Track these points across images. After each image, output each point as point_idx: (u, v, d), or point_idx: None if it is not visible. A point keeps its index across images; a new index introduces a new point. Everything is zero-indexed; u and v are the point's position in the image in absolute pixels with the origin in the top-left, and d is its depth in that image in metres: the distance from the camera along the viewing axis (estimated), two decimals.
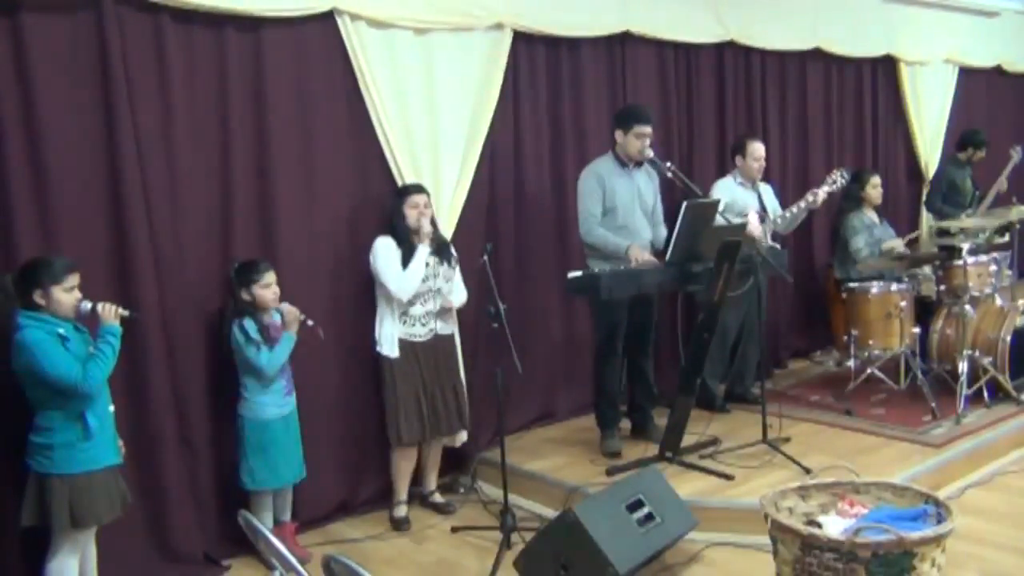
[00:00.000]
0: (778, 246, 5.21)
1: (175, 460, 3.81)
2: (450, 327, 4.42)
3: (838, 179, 5.28)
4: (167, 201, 3.82)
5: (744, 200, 5.23)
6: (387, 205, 4.27)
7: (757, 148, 5.30)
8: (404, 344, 4.20)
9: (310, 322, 3.91)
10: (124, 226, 3.66)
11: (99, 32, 3.57)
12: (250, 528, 2.60)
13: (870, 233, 5.74)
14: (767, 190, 5.49)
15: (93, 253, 3.59)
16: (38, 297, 3.12)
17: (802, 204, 5.23)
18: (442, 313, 4.33)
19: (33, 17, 3.43)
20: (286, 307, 3.88)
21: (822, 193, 5.22)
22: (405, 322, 4.22)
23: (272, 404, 3.86)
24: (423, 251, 4.17)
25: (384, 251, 4.15)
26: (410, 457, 4.33)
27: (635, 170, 4.69)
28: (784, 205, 5.44)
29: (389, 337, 4.20)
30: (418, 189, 4.26)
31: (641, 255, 4.46)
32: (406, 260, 4.13)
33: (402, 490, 4.35)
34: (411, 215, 4.18)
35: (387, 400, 4.23)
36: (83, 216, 3.59)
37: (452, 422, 4.37)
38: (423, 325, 4.26)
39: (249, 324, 3.79)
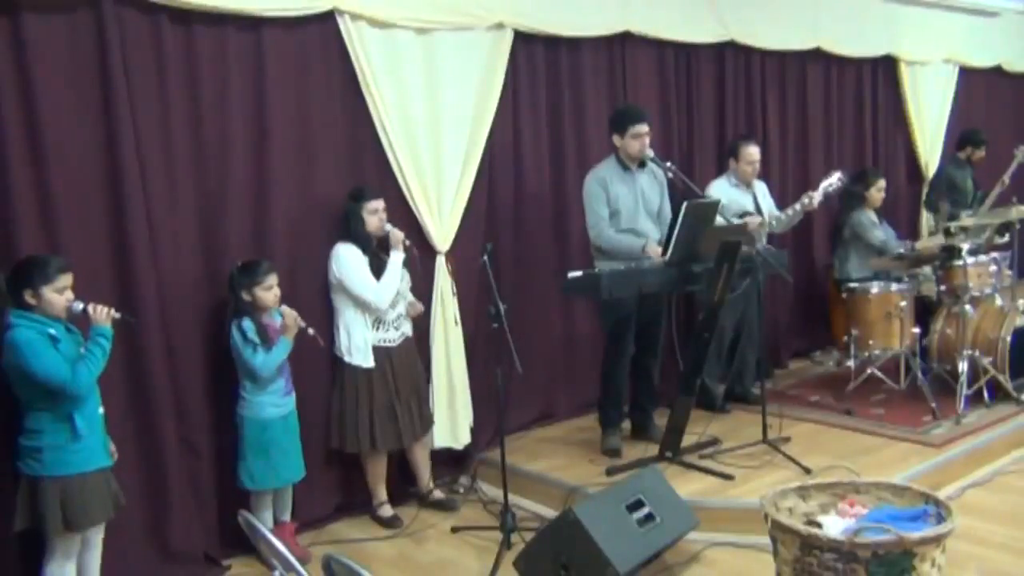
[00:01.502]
0: (772, 248, 5.20)
1: (175, 460, 3.81)
2: (410, 329, 4.39)
3: (834, 182, 5.23)
4: (167, 201, 3.82)
5: (739, 201, 5.20)
6: (342, 209, 4.19)
7: (751, 152, 5.28)
8: (378, 351, 4.17)
9: (311, 331, 3.88)
10: (124, 226, 3.66)
11: (99, 32, 3.57)
12: (250, 528, 2.60)
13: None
14: (762, 190, 5.47)
15: (93, 253, 3.59)
16: (28, 297, 3.11)
17: (797, 207, 5.19)
18: (407, 315, 4.32)
19: (33, 17, 3.43)
20: (286, 311, 3.86)
21: (817, 196, 5.17)
22: (379, 328, 4.18)
23: (271, 404, 3.86)
24: (398, 258, 4.16)
25: (353, 260, 4.09)
26: (382, 459, 4.31)
27: (638, 172, 4.68)
28: (783, 205, 5.43)
29: (362, 346, 4.14)
30: (375, 194, 4.21)
31: (658, 251, 4.45)
32: (373, 267, 4.11)
33: (382, 491, 4.34)
34: (371, 221, 4.14)
35: (357, 411, 4.14)
36: (83, 216, 3.58)
37: (418, 426, 4.34)
38: (396, 329, 4.24)
39: (247, 325, 3.78)
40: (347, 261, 4.10)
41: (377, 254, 4.17)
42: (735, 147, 5.35)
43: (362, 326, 4.15)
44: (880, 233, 5.69)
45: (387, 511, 4.33)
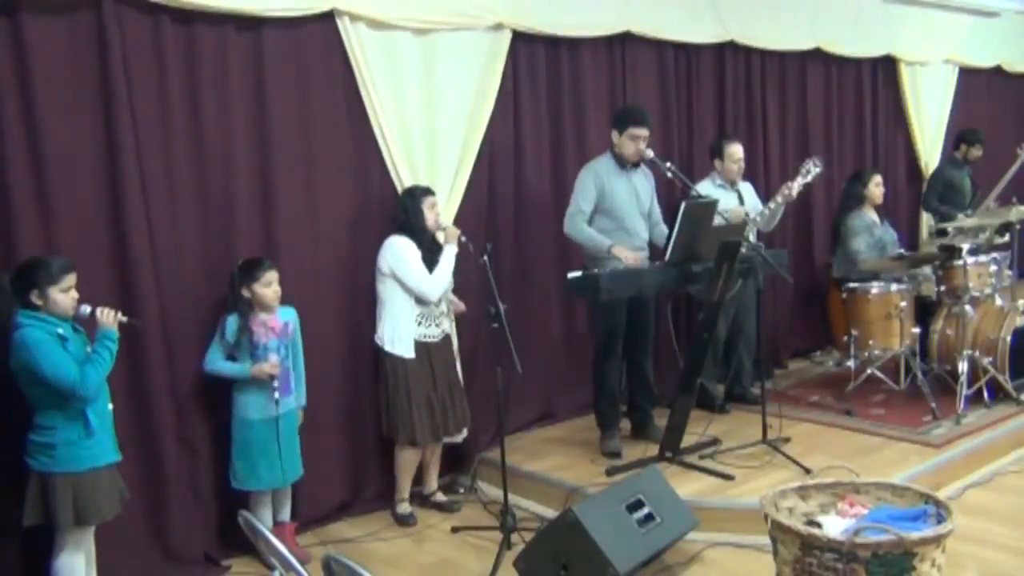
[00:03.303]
0: (762, 245, 5.19)
1: (175, 460, 3.81)
2: (451, 326, 4.44)
3: (811, 168, 5.19)
4: (167, 201, 3.82)
5: (724, 202, 5.10)
6: (397, 205, 4.25)
7: (735, 150, 5.27)
8: (418, 345, 4.20)
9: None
10: (124, 226, 3.66)
11: (99, 32, 3.57)
12: (250, 528, 2.60)
13: (870, 233, 5.71)
14: (748, 190, 5.46)
15: (93, 253, 3.59)
16: (35, 298, 3.12)
17: (779, 199, 5.17)
18: (449, 313, 4.38)
19: (33, 17, 3.43)
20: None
21: (796, 185, 5.14)
22: (421, 323, 4.21)
23: (253, 405, 3.82)
24: (452, 251, 4.21)
25: (408, 252, 4.14)
26: (417, 456, 4.32)
27: (632, 171, 4.69)
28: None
29: (405, 337, 4.17)
30: (431, 190, 4.30)
31: (625, 253, 4.45)
32: (426, 260, 4.15)
33: (406, 488, 4.35)
34: (430, 216, 4.21)
35: (398, 401, 4.18)
36: (83, 216, 3.59)
37: (457, 421, 4.38)
38: (437, 325, 4.28)
39: (231, 322, 3.78)
40: (402, 252, 4.13)
41: (430, 249, 4.20)
42: (719, 147, 5.33)
43: (408, 318, 4.17)
44: (860, 242, 5.62)
45: (405, 508, 4.34)
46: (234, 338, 3.77)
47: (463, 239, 4.25)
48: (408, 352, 4.18)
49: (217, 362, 3.79)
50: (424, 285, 4.13)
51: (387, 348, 4.19)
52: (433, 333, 4.26)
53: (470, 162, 4.70)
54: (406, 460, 4.30)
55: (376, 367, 4.30)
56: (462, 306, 4.47)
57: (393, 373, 4.19)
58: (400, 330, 4.17)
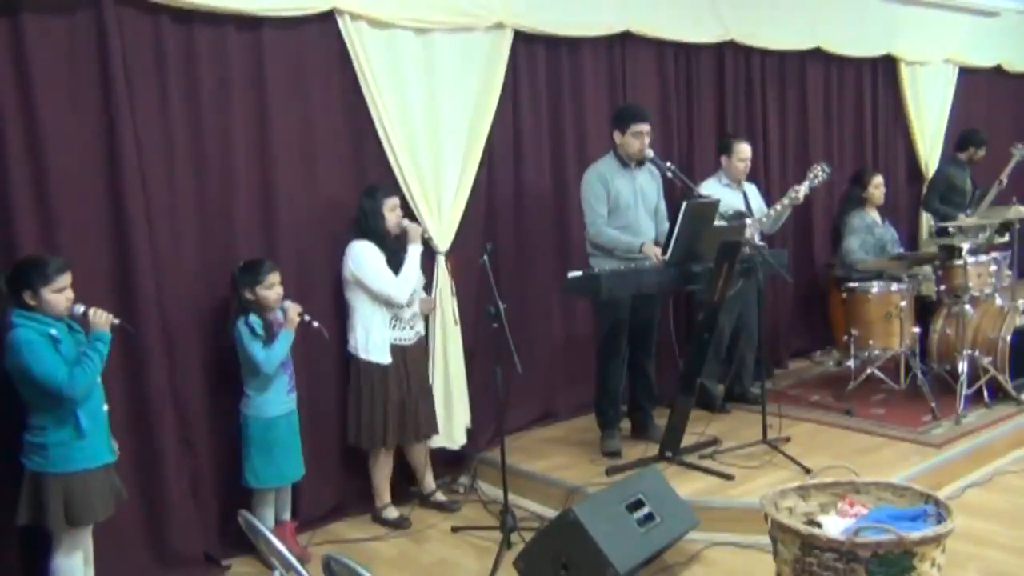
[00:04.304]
0: (765, 245, 5.19)
1: (175, 460, 3.81)
2: (424, 328, 4.43)
3: (819, 173, 5.22)
4: (167, 201, 3.82)
5: (730, 201, 5.15)
6: (358, 207, 4.19)
7: (743, 148, 5.28)
8: (394, 350, 4.18)
9: (315, 323, 3.89)
10: (124, 226, 3.66)
11: (99, 32, 3.57)
12: (250, 528, 2.60)
13: (870, 233, 5.72)
14: (752, 190, 5.47)
15: (93, 253, 3.60)
16: (28, 298, 3.12)
17: (785, 202, 5.19)
18: (422, 315, 4.37)
19: (33, 17, 3.43)
20: (289, 304, 3.88)
21: (803, 189, 5.17)
22: (395, 326, 4.20)
23: (276, 402, 3.86)
24: (416, 251, 4.18)
25: (368, 256, 4.10)
26: (389, 460, 4.31)
27: (636, 169, 4.69)
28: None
29: (380, 343, 4.14)
30: (392, 191, 4.26)
31: (657, 252, 4.46)
32: (391, 263, 4.12)
33: (386, 493, 4.33)
34: (391, 218, 4.16)
35: (371, 408, 4.16)
36: (83, 216, 3.59)
37: (426, 425, 4.35)
38: (411, 328, 4.27)
39: (255, 321, 3.78)
40: (365, 257, 4.10)
41: (395, 251, 4.17)
42: (727, 144, 5.34)
43: (380, 323, 4.15)
44: (854, 241, 5.64)
45: (392, 512, 4.33)
46: (263, 333, 3.77)
47: (427, 236, 4.22)
48: (384, 358, 4.15)
49: (267, 352, 3.76)
50: (389, 288, 4.10)
51: (362, 356, 4.16)
52: (407, 336, 4.25)
53: (475, 161, 4.70)
54: (380, 465, 4.29)
55: (347, 375, 4.26)
56: (431, 304, 4.44)
57: (368, 379, 4.15)
58: (374, 336, 4.14)
